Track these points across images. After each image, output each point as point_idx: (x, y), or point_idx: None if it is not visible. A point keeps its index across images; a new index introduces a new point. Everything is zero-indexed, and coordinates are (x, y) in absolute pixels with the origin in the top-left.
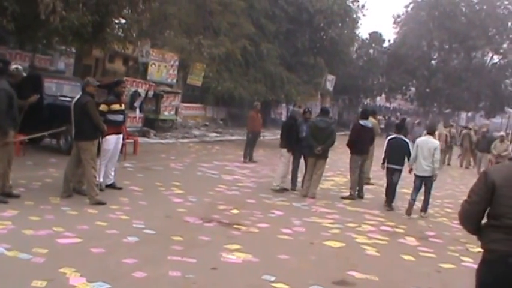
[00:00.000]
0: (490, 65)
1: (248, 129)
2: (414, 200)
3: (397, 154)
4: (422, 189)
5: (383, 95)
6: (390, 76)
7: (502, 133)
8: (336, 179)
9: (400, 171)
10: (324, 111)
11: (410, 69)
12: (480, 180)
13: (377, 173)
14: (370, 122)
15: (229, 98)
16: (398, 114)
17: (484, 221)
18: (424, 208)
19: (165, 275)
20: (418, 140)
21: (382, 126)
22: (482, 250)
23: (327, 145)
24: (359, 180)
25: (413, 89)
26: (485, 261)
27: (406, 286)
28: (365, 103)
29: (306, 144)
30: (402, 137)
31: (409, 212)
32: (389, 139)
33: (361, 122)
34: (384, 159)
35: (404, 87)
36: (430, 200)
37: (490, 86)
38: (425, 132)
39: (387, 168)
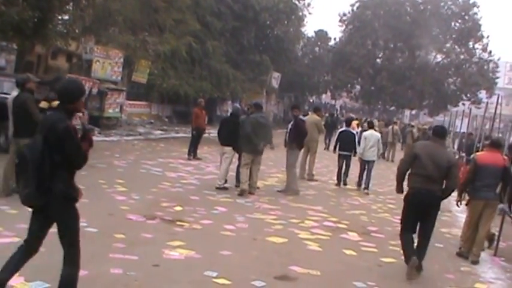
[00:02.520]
0: (433, 64)
1: (192, 126)
2: (360, 180)
3: (347, 143)
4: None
5: (328, 93)
6: (335, 74)
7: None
8: (280, 175)
9: (350, 156)
10: (257, 106)
11: (355, 67)
12: (409, 151)
13: (320, 170)
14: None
15: (175, 96)
16: (344, 111)
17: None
18: (367, 185)
19: (106, 272)
20: (365, 133)
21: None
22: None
23: (267, 141)
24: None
25: (358, 86)
26: (410, 192)
27: (347, 280)
28: (311, 100)
29: (245, 140)
30: (350, 129)
31: (359, 184)
32: (340, 132)
33: (300, 117)
34: (334, 147)
35: (349, 85)
36: (371, 184)
37: (434, 85)
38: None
39: (339, 154)
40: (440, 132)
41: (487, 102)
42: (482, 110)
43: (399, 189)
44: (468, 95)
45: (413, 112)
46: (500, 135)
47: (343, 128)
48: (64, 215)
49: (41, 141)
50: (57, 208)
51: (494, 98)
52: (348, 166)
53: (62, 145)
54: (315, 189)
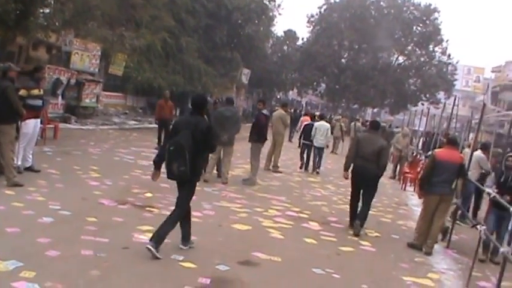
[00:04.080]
0: (395, 65)
1: (156, 117)
2: (314, 163)
3: (308, 134)
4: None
5: (295, 90)
6: (302, 72)
7: (406, 129)
8: (247, 166)
9: (311, 145)
10: (228, 101)
11: (321, 66)
12: (353, 140)
13: (285, 162)
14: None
15: (149, 88)
16: (309, 108)
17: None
18: (318, 166)
19: (78, 253)
20: (316, 123)
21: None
22: (352, 167)
23: (232, 133)
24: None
25: (323, 85)
26: (353, 170)
27: (307, 267)
28: (278, 97)
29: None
30: (313, 123)
31: (312, 167)
32: (305, 125)
33: (264, 111)
34: (299, 138)
35: (315, 83)
36: (322, 164)
37: (395, 85)
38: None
39: (302, 143)
40: (375, 125)
41: (445, 103)
42: (440, 110)
43: (346, 168)
44: (427, 96)
45: (375, 110)
46: (456, 134)
47: (307, 122)
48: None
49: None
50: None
51: (452, 99)
52: (320, 155)
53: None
54: (279, 180)
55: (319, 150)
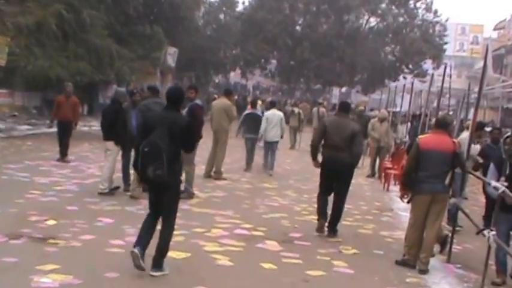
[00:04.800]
0: (366, 30)
1: (52, 117)
2: (267, 162)
3: (253, 126)
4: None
5: (238, 70)
6: (246, 47)
7: (384, 111)
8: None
9: (256, 139)
10: (152, 91)
11: (269, 38)
12: (320, 125)
13: (231, 165)
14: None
15: (44, 81)
16: (258, 93)
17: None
18: (271, 167)
19: None
20: (267, 113)
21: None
22: (321, 158)
23: None
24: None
25: (274, 61)
26: (323, 160)
27: None
28: (216, 81)
29: (131, 132)
30: (256, 111)
31: (264, 167)
32: (246, 114)
33: (197, 101)
34: (238, 129)
35: (263, 60)
36: (274, 163)
37: (367, 55)
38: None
39: (246, 138)
40: (344, 107)
41: (432, 74)
42: (427, 83)
43: (314, 157)
44: (410, 66)
45: (344, 90)
46: (451, 113)
47: (249, 111)
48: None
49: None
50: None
51: (442, 69)
52: (273, 151)
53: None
54: (224, 189)
55: (272, 146)
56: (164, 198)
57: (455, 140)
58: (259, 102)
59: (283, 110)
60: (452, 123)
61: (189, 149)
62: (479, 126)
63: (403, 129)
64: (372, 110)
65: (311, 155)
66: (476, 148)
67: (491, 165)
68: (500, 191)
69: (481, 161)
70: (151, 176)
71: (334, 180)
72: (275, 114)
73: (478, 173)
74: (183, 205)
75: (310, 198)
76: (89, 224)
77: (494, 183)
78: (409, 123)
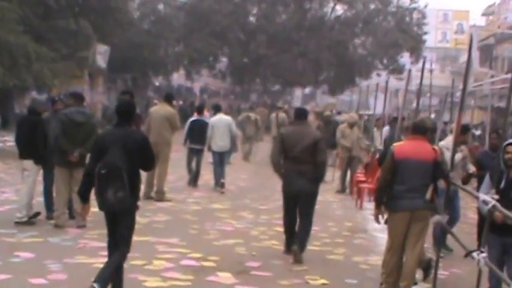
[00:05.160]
0: (332, 20)
1: None
2: (219, 174)
3: (199, 135)
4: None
5: (182, 71)
6: (190, 43)
7: (353, 115)
8: None
9: (202, 150)
10: (75, 98)
11: (218, 32)
12: (278, 137)
13: (175, 184)
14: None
15: None
16: (206, 97)
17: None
18: (221, 182)
19: None
20: (212, 119)
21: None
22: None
23: (86, 148)
24: None
25: (224, 59)
26: (284, 176)
27: None
28: (157, 84)
29: (56, 148)
30: (204, 118)
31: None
32: (192, 121)
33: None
34: (185, 140)
35: (211, 58)
36: (225, 178)
37: (334, 49)
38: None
39: (190, 149)
40: (301, 114)
41: (410, 70)
42: (405, 81)
43: (278, 173)
44: (384, 61)
45: (308, 91)
46: (433, 115)
47: (195, 117)
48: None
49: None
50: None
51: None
52: (221, 163)
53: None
54: (167, 212)
55: (221, 157)
56: (121, 224)
57: (435, 147)
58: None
59: (236, 117)
60: (435, 127)
61: (148, 167)
62: (462, 130)
63: (378, 136)
64: (339, 113)
65: (275, 171)
66: (458, 157)
67: (487, 177)
68: (489, 206)
69: (471, 171)
70: (112, 200)
71: (299, 198)
72: (222, 119)
73: (468, 186)
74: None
75: (270, 220)
76: (3, 260)
77: (482, 196)
78: (385, 128)
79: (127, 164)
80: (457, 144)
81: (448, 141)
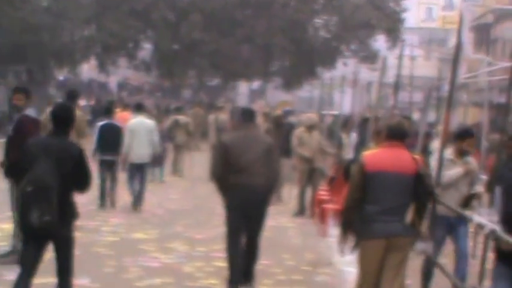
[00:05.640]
0: None
1: None
2: (136, 197)
3: (111, 143)
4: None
5: (93, 61)
6: (104, 24)
7: (312, 116)
8: (6, 226)
9: (116, 162)
10: None
11: (140, 10)
12: (219, 146)
13: (86, 208)
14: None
15: None
16: (125, 93)
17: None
18: (137, 202)
19: None
20: (131, 123)
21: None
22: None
23: None
24: None
25: (148, 46)
26: (230, 192)
27: None
28: (61, 78)
29: None
30: (116, 122)
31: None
32: (101, 125)
33: (29, 111)
34: (95, 150)
35: (131, 45)
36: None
37: (288, 32)
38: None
39: (100, 161)
40: (247, 116)
41: (385, 58)
42: (379, 72)
43: (223, 193)
44: (353, 47)
45: (256, 86)
46: (416, 115)
47: (105, 121)
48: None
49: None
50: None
51: (401, 49)
52: (142, 178)
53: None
54: (76, 245)
55: (140, 170)
56: (58, 255)
57: (416, 156)
58: (119, 110)
59: (163, 120)
60: (416, 130)
61: (83, 187)
62: (462, 135)
63: (347, 141)
64: (290, 113)
65: (218, 189)
66: (457, 172)
67: (497, 191)
68: (486, 230)
69: (476, 191)
70: (36, 224)
71: (247, 218)
72: (143, 123)
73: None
74: (9, 274)
75: (208, 253)
76: None
77: (477, 218)
78: (353, 134)
79: (58, 182)
80: (459, 155)
81: (435, 148)
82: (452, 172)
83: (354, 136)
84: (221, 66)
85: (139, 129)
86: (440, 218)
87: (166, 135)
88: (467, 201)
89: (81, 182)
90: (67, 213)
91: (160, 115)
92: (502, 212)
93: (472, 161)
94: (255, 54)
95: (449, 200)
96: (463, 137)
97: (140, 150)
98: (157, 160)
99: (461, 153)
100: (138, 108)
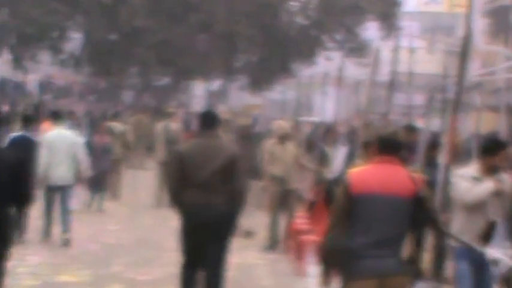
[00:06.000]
0: None
1: None
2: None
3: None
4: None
5: (6, 56)
6: (19, 8)
7: (282, 124)
8: None
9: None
10: None
11: None
12: (173, 157)
13: None
14: None
15: None
16: (49, 96)
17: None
18: (66, 229)
19: None
20: (47, 136)
21: None
22: None
23: None
24: None
25: (78, 36)
26: (184, 212)
27: None
28: None
29: None
30: (29, 135)
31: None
32: (12, 138)
33: None
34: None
35: (56, 34)
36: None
37: (255, 19)
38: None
39: None
40: (209, 122)
41: (378, 51)
42: (370, 68)
43: (177, 205)
44: (338, 37)
45: (216, 86)
46: (417, 122)
47: (19, 133)
48: None
49: None
50: None
51: (398, 41)
52: (64, 204)
53: None
54: None
55: (63, 194)
56: None
57: (415, 175)
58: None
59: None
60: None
61: (24, 202)
62: (493, 148)
63: (335, 156)
64: (254, 120)
65: (172, 200)
66: (487, 188)
67: None
68: (501, 268)
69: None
70: None
71: (205, 242)
72: (63, 135)
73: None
74: None
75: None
76: None
77: (490, 252)
78: (342, 148)
79: None
80: (488, 172)
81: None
82: (481, 189)
83: (342, 150)
84: (171, 61)
85: (57, 142)
86: (462, 252)
87: (108, 151)
88: (489, 232)
89: (21, 194)
90: (3, 232)
91: (95, 124)
92: None
93: (506, 178)
94: (214, 46)
95: (470, 229)
96: (495, 151)
97: (59, 170)
98: (95, 183)
99: (491, 170)
100: (56, 116)
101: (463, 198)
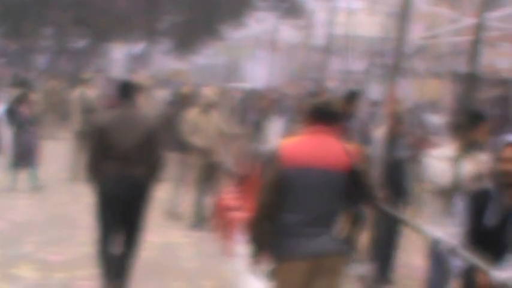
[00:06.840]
0: None
1: None
2: None
3: None
4: None
5: None
6: None
7: (208, 92)
8: None
9: None
10: None
11: None
12: (91, 129)
13: None
14: None
15: None
16: None
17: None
18: None
19: None
20: None
21: None
22: None
23: None
24: None
25: None
26: (101, 184)
27: None
28: None
29: None
30: None
31: None
32: None
33: None
34: None
35: None
36: None
37: None
38: None
39: None
40: (126, 91)
41: (312, 12)
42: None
43: (91, 178)
44: None
45: (138, 49)
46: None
47: None
48: None
49: None
50: None
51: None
52: None
53: None
54: None
55: None
56: None
57: (350, 146)
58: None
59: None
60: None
61: None
62: (475, 119)
63: (270, 124)
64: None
65: (87, 173)
66: (466, 171)
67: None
68: (446, 248)
69: None
70: None
71: (122, 213)
72: None
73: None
74: None
75: (71, 280)
76: None
77: (434, 232)
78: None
79: None
80: (466, 148)
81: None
82: (460, 171)
83: (278, 120)
84: (88, 22)
85: None
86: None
87: (33, 121)
88: None
89: None
90: None
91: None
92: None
93: (486, 159)
94: (135, 5)
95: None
96: (475, 123)
97: None
98: (22, 158)
99: (470, 148)
100: None
101: (439, 182)
